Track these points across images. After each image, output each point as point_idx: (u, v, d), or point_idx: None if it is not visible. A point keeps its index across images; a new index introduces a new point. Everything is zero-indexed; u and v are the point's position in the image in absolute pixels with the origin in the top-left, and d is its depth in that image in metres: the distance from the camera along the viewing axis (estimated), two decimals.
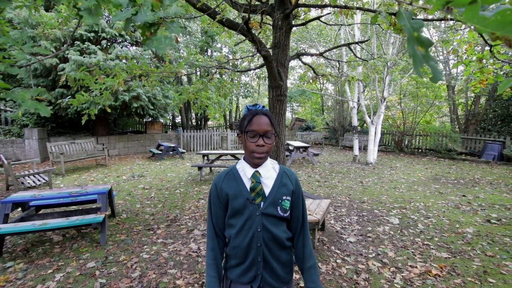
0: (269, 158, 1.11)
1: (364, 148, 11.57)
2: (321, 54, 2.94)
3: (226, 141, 11.94)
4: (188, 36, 10.47)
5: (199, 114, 18.16)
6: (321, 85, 17.27)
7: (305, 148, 8.18)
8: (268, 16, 3.18)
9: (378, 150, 11.85)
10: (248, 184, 1.04)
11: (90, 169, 7.23)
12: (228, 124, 19.33)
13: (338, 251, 2.81)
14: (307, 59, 13.57)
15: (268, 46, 3.26)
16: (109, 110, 4.15)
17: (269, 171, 1.07)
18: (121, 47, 7.44)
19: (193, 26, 10.31)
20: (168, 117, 18.74)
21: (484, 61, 2.81)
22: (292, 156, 8.08)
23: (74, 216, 3.06)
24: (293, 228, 1.10)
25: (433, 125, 15.13)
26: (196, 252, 2.81)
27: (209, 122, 23.28)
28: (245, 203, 1.03)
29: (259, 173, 1.05)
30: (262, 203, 1.02)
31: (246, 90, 15.76)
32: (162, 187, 5.49)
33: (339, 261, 2.62)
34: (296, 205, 1.08)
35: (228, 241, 1.08)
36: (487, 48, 2.33)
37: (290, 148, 8.66)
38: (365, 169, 7.51)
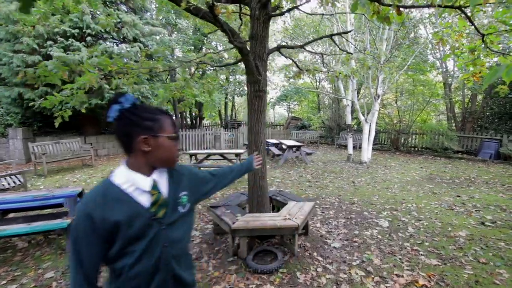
0: None
1: (359, 147, 11.38)
2: (302, 47, 2.73)
3: (220, 140, 11.73)
4: (176, 33, 10.23)
5: (194, 113, 17.96)
6: (317, 83, 17.08)
7: (298, 147, 7.98)
8: (247, 7, 2.97)
9: (374, 149, 11.67)
10: (145, 199, 0.85)
11: (75, 169, 7.01)
12: (223, 123, 19.12)
13: (320, 258, 2.61)
14: (301, 56, 13.36)
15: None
16: (83, 111, 3.93)
17: (161, 174, 0.92)
18: (107, 44, 7.21)
19: (183, 23, 10.07)
20: None
21: (476, 52, 2.62)
22: (285, 156, 7.89)
23: (40, 221, 2.85)
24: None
25: (430, 123, 14.97)
26: None
27: (206, 121, 23.09)
28: (147, 223, 0.84)
29: (156, 181, 0.88)
30: (164, 213, 0.88)
31: (241, 89, 15.54)
32: None
33: (319, 269, 2.42)
34: (200, 185, 1.09)
35: (119, 274, 0.83)
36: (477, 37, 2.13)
37: (284, 147, 8.47)
38: (359, 169, 7.32)
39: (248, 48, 2.68)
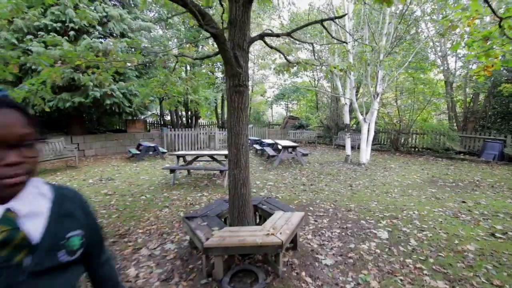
0: (32, 180, 0.62)
1: (357, 148, 11.02)
2: (288, 34, 2.37)
3: (214, 140, 11.37)
4: (167, 29, 9.85)
5: (189, 112, 17.58)
6: (316, 82, 16.70)
7: (294, 148, 7.62)
8: None
9: (373, 150, 11.32)
10: None
11: (57, 171, 6.65)
12: (220, 122, 18.75)
13: (309, 280, 2.25)
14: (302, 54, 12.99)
15: None
16: (47, 109, 3.58)
17: (34, 202, 0.61)
18: (92, 39, 6.83)
19: (175, 18, 9.69)
20: (156, 114, 18.16)
21: (489, 42, 2.26)
22: (280, 157, 7.53)
23: None
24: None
25: (430, 123, 14.64)
26: (131, 281, 2.25)
27: (202, 121, 22.69)
28: None
29: (14, 212, 0.56)
30: (28, 258, 0.58)
31: None
32: (127, 192, 4.92)
33: None
34: (94, 245, 0.77)
35: None
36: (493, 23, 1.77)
37: (279, 147, 8.11)
38: (357, 171, 6.97)
39: (227, 36, 2.31)
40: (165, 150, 8.58)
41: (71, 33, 6.68)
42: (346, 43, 3.27)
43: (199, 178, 6.03)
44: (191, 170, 6.40)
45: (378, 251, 2.77)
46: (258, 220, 3.18)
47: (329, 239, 3.04)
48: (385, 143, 12.24)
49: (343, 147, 11.84)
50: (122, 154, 9.25)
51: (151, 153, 8.43)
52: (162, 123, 16.99)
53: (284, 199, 4.52)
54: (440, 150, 9.72)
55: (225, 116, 19.57)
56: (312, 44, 2.83)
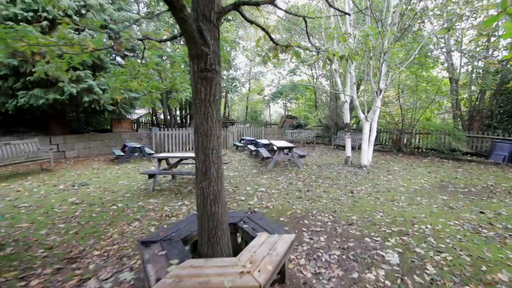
0: None
1: (358, 148, 10.46)
2: (271, 2, 1.80)
3: None
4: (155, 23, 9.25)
5: (183, 111, 16.98)
6: (315, 80, 16.12)
7: (290, 149, 7.04)
8: None
9: (374, 150, 10.75)
10: None
11: (29, 175, 6.04)
12: None
13: None
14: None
15: None
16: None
17: None
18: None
19: (162, 8, 9.08)
20: (149, 113, 17.51)
21: None
22: (274, 158, 6.94)
23: None
24: None
25: (434, 123, 14.10)
26: None
27: None
28: None
29: None
30: None
31: (232, 85, 14.59)
32: (98, 201, 4.33)
33: None
34: None
35: None
36: None
37: (274, 148, 7.53)
38: (358, 174, 6.39)
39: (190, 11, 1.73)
40: (152, 151, 7.99)
41: (44, 23, 6.07)
42: (349, 14, 2.67)
43: (184, 183, 5.44)
44: (177, 176, 5.82)
45: (388, 283, 2.19)
46: (239, 241, 2.60)
47: (326, 265, 2.46)
48: (386, 143, 11.68)
49: (343, 147, 11.27)
50: (107, 155, 8.65)
51: (136, 154, 7.83)
52: (155, 122, 16.38)
53: (276, 209, 3.93)
54: (446, 151, 9.17)
55: (222, 115, 19.00)
56: (304, 18, 2.24)
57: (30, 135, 7.81)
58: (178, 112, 17.23)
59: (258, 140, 9.46)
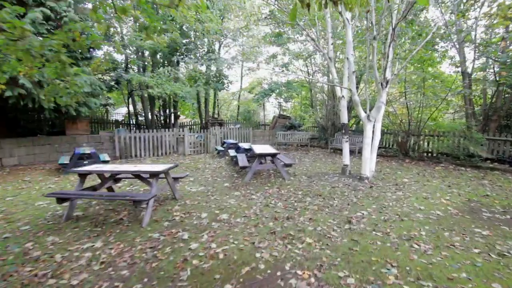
0: None
1: (358, 152, 9.04)
2: None
3: (183, 144, 9.34)
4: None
5: (167, 111, 15.54)
6: (311, 76, 14.68)
7: (273, 156, 5.61)
8: None
9: (378, 155, 9.35)
10: None
11: None
12: (203, 122, 16.72)
13: None
14: None
15: None
16: None
17: None
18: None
19: None
20: (127, 113, 16.05)
21: None
22: (252, 168, 5.51)
23: None
24: None
25: (441, 123, 12.69)
26: None
27: (185, 120, 20.65)
28: None
29: None
30: None
31: (218, 81, 13.13)
32: None
33: None
34: None
35: None
36: None
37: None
38: (358, 189, 4.96)
39: None
40: (107, 158, 6.55)
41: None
42: None
43: (120, 206, 4.00)
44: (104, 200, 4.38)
45: None
46: None
47: None
48: (390, 146, 10.25)
49: (340, 151, 9.85)
50: (56, 163, 7.20)
51: (86, 162, 6.38)
52: (135, 123, 14.94)
53: (227, 261, 2.49)
54: (462, 157, 7.74)
55: (211, 115, 17.53)
56: None
57: None
58: (161, 112, 15.78)
59: (241, 144, 8.03)
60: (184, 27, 11.14)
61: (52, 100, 3.29)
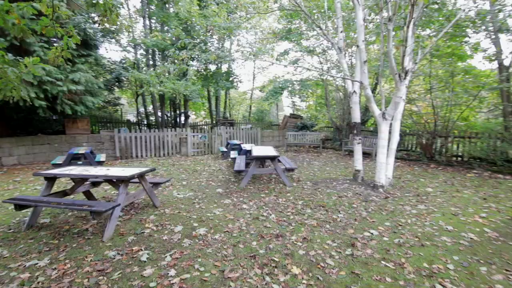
0: None
1: (375, 155, 8.13)
2: None
3: (186, 144, 8.96)
4: None
5: (177, 111, 15.37)
6: (325, 73, 13.79)
7: (272, 159, 4.99)
8: None
9: (397, 158, 8.39)
10: None
11: None
12: (214, 122, 16.39)
13: None
14: None
15: None
16: None
17: None
18: None
19: None
20: (140, 113, 16.07)
21: None
22: (249, 173, 4.93)
23: None
24: None
25: (474, 123, 11.29)
26: None
27: (197, 120, 20.49)
28: None
29: None
30: None
31: (227, 79, 12.69)
32: None
33: None
34: None
35: None
36: None
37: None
38: (370, 200, 4.20)
39: None
40: (103, 159, 6.28)
41: None
42: None
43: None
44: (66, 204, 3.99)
45: None
46: None
47: None
48: (413, 149, 9.20)
49: None
50: None
51: (80, 163, 6.15)
52: (145, 122, 14.93)
53: None
54: (499, 162, 6.61)
55: (221, 115, 17.18)
56: None
57: None
58: (171, 112, 15.66)
59: (243, 146, 7.47)
60: (190, 24, 10.80)
61: (12, 95, 2.91)
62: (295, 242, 2.79)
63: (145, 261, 2.38)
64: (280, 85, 12.07)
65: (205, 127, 16.88)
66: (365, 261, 2.41)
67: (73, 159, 6.05)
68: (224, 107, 17.86)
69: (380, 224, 3.27)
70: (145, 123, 14.87)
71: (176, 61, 7.97)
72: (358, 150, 5.41)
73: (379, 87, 11.57)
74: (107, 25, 4.51)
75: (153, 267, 2.29)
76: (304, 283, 2.08)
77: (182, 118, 15.71)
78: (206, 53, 8.46)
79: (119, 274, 2.20)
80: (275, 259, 2.44)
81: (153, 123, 14.82)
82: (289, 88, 13.46)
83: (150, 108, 15.34)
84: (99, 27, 6.73)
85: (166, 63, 9.23)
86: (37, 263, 2.36)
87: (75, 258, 2.46)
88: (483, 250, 2.62)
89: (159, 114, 14.33)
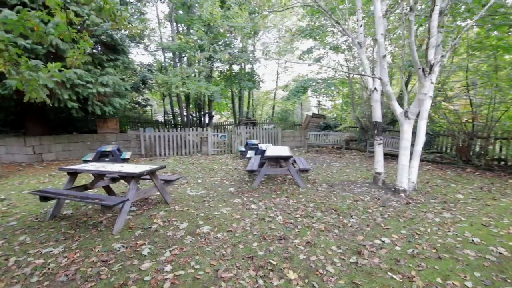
0: None
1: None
2: None
3: (207, 144, 9.18)
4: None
5: (201, 111, 15.85)
6: (349, 70, 13.20)
7: (285, 159, 4.89)
8: None
9: (428, 161, 7.78)
10: None
11: None
12: (237, 121, 16.59)
13: None
14: None
15: None
16: None
17: None
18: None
19: None
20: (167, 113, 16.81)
21: None
22: (261, 173, 4.89)
23: None
24: None
25: None
26: None
27: (221, 120, 20.89)
28: None
29: None
30: None
31: (249, 80, 12.75)
32: None
33: None
34: None
35: None
36: None
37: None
38: (389, 205, 3.91)
39: None
40: (127, 157, 6.68)
41: None
42: None
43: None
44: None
45: None
46: None
47: None
48: (448, 150, 8.40)
49: (385, 155, 8.46)
50: None
51: (107, 159, 6.61)
52: (172, 122, 15.61)
53: None
54: None
55: (244, 114, 17.33)
56: None
57: (9, 135, 7.26)
58: (195, 112, 16.19)
59: (261, 145, 7.44)
60: (213, 25, 11.04)
61: (34, 96, 3.20)
62: (297, 246, 2.68)
63: (145, 255, 2.47)
64: (302, 85, 11.81)
65: (229, 127, 17.17)
66: (370, 271, 2.23)
67: (102, 156, 6.52)
68: (247, 107, 17.99)
69: (395, 231, 3.02)
70: (172, 123, 15.55)
71: (195, 62, 8.21)
72: (379, 151, 5.08)
73: (410, 84, 10.78)
74: (133, 31, 4.77)
75: (151, 261, 2.36)
76: None
77: (207, 118, 16.17)
78: (218, 53, 8.58)
79: (119, 266, 2.30)
80: (273, 262, 2.37)
81: (179, 123, 15.44)
82: (313, 87, 13.11)
83: (177, 108, 16.02)
84: (125, 33, 7.16)
85: (183, 65, 9.57)
86: (51, 251, 2.57)
87: (85, 248, 2.63)
88: None
89: (185, 114, 14.90)
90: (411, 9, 3.45)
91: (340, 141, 10.29)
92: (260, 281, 2.09)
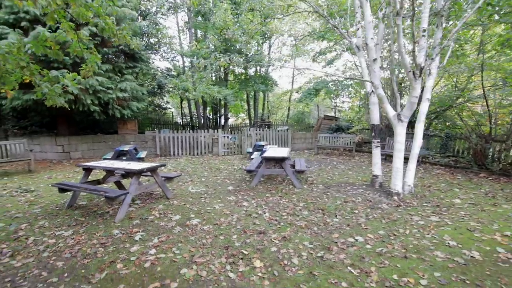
0: None
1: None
2: None
3: (217, 145, 9.60)
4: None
5: (217, 113, 16.41)
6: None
7: (281, 160, 5.10)
8: None
9: (441, 165, 7.53)
10: None
11: (6, 176, 6.06)
12: (252, 123, 16.94)
13: None
14: None
15: None
16: None
17: None
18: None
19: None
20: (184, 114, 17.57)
21: None
22: (259, 173, 5.14)
23: None
24: None
25: None
26: None
27: (236, 122, 21.37)
28: None
29: None
30: None
31: (263, 83, 13.02)
32: None
33: None
34: None
35: None
36: None
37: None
38: (378, 207, 3.96)
39: None
40: (143, 156, 7.28)
41: (23, 23, 6.03)
42: None
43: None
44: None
45: None
46: None
47: None
48: (464, 154, 8.02)
49: (391, 157, 8.31)
50: None
51: (124, 158, 7.25)
52: (190, 124, 16.36)
53: (151, 270, 2.29)
54: None
55: (259, 117, 17.63)
56: None
57: (43, 135, 8.24)
58: (211, 114, 16.79)
59: (266, 147, 7.68)
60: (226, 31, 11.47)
61: (51, 103, 3.74)
62: (273, 240, 2.90)
63: (137, 240, 2.84)
64: (314, 87, 11.84)
65: (245, 128, 17.57)
66: (331, 265, 2.40)
67: (120, 155, 7.17)
68: (262, 109, 18.26)
69: (372, 232, 3.11)
70: (190, 125, 16.29)
71: (199, 69, 8.67)
72: (376, 153, 5.10)
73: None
74: (151, 41, 5.29)
75: (140, 245, 2.73)
76: (258, 275, 2.22)
77: (222, 120, 16.72)
78: (217, 60, 8.94)
79: (114, 247, 2.69)
80: (245, 252, 2.62)
81: (196, 125, 16.14)
82: (326, 89, 13.04)
83: (195, 111, 16.74)
84: (143, 42, 7.80)
85: (189, 71, 10.08)
86: (63, 233, 3.04)
87: (90, 232, 3.07)
88: (478, 270, 2.30)
89: (201, 116, 15.55)
90: (397, 14, 3.52)
91: (351, 143, 10.18)
92: (228, 267, 2.35)
